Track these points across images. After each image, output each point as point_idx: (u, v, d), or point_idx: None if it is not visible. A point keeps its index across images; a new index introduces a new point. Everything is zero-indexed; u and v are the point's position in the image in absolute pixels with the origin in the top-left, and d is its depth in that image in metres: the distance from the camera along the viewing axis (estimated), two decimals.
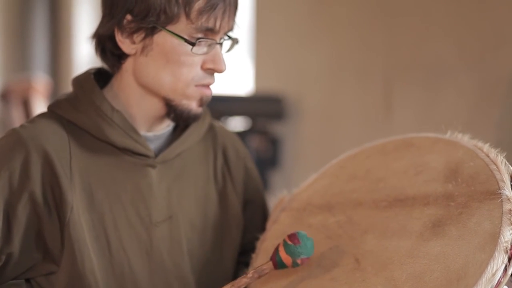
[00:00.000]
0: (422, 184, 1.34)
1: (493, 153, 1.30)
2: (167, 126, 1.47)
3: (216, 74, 1.41)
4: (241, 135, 3.29)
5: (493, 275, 1.15)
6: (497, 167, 1.26)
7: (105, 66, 1.46)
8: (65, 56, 6.89)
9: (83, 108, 1.39)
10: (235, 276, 1.51)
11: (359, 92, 3.37)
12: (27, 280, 1.41)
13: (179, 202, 1.46)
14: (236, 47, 1.44)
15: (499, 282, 1.15)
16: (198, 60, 1.36)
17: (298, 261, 1.29)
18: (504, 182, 1.24)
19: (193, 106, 1.40)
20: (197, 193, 1.49)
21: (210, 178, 1.52)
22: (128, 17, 1.35)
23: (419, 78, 2.93)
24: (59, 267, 1.35)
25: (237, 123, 4.00)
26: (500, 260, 1.16)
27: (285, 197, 1.51)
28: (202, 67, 1.37)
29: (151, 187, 1.42)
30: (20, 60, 6.91)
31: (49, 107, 1.43)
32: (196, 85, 1.38)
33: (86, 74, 1.45)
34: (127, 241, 1.39)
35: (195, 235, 1.47)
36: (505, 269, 1.16)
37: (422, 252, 1.24)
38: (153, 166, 1.42)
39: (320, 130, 3.65)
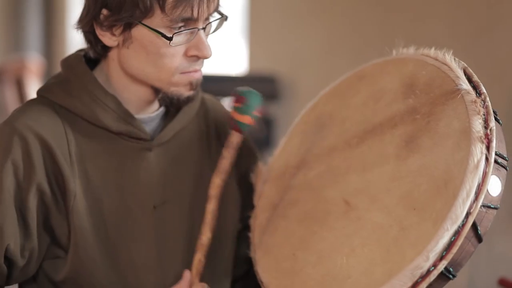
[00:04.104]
0: (384, 109, 1.33)
1: (440, 54, 1.30)
2: (159, 107, 1.43)
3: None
4: None
5: (476, 167, 1.14)
6: (449, 66, 1.26)
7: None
8: (59, 37, 6.79)
9: (76, 93, 1.36)
10: (233, 259, 1.50)
11: None
12: None
13: (177, 184, 1.43)
14: (225, 24, 1.39)
15: (485, 173, 1.15)
16: (180, 49, 1.32)
17: (255, 113, 1.43)
18: (459, 77, 1.23)
19: (182, 91, 1.36)
20: (194, 173, 1.46)
21: (205, 156, 1.49)
22: (104, 11, 1.31)
23: None
24: (67, 253, 1.35)
25: (230, 104, 3.94)
26: (478, 151, 1.15)
27: (262, 169, 1.51)
28: (186, 54, 1.33)
29: (148, 171, 1.40)
30: (14, 40, 6.76)
31: (39, 92, 1.39)
32: (182, 73, 1.34)
33: (77, 56, 1.40)
34: (125, 227, 1.37)
35: (193, 217, 1.44)
36: (487, 159, 1.16)
37: (404, 171, 1.23)
38: (149, 149, 1.40)
39: None
